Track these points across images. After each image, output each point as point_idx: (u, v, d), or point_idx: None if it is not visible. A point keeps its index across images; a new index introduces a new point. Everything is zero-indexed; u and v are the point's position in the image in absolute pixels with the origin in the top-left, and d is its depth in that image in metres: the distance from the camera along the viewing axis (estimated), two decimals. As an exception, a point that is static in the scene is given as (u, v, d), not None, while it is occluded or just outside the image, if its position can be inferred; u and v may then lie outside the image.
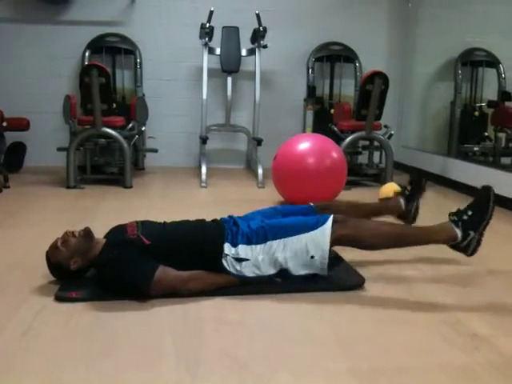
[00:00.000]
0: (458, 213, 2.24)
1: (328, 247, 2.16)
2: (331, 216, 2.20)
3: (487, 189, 2.26)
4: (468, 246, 2.24)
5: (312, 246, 2.15)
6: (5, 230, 3.07)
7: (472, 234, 2.21)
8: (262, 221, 2.31)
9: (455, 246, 2.26)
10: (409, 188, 2.74)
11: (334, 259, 2.41)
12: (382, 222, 2.36)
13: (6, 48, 5.16)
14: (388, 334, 1.86)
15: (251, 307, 2.06)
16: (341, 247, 2.47)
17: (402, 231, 2.29)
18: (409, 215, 2.71)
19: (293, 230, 2.18)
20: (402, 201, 2.71)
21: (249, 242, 2.18)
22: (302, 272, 2.18)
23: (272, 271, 2.18)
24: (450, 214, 2.25)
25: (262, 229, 2.22)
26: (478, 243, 2.24)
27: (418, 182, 2.75)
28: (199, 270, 2.13)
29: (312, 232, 2.16)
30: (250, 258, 2.16)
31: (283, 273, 2.19)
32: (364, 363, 1.65)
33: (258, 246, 2.17)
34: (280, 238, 2.17)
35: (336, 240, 2.17)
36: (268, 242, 2.17)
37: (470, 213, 2.22)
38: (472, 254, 2.27)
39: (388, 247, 2.25)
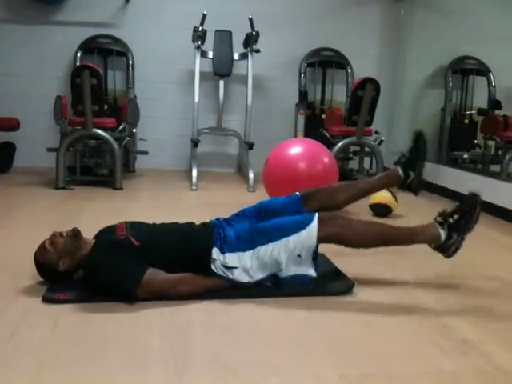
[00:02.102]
0: (444, 214, 2.27)
1: (314, 245, 2.17)
2: (316, 215, 2.20)
3: (475, 195, 2.29)
4: (449, 248, 2.26)
5: (299, 246, 2.15)
6: (-8, 231, 3.04)
7: (455, 237, 2.24)
8: (248, 225, 2.30)
9: (437, 247, 2.28)
10: (407, 155, 2.56)
11: (323, 264, 2.42)
12: (368, 222, 2.35)
13: (-4, 47, 5.13)
14: (377, 340, 1.86)
15: (240, 311, 2.05)
16: (330, 250, 2.48)
17: (388, 231, 2.29)
18: (410, 185, 2.54)
19: (280, 233, 2.17)
20: (400, 170, 2.54)
21: (235, 249, 2.17)
22: (292, 273, 2.17)
23: (261, 276, 2.17)
24: (437, 215, 2.28)
25: (248, 235, 2.20)
26: (458, 247, 2.27)
27: (416, 146, 2.58)
28: (188, 273, 2.12)
29: (299, 233, 2.16)
30: (239, 266, 2.15)
31: (273, 279, 2.19)
32: (353, 369, 1.65)
33: (246, 253, 2.16)
34: (268, 243, 2.16)
35: (322, 238, 2.18)
36: (256, 248, 2.16)
37: (456, 216, 2.24)
38: (451, 256, 2.29)
39: (374, 246, 2.27)
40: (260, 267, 2.16)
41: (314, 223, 2.17)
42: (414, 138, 2.57)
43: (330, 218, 2.21)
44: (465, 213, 2.25)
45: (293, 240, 2.15)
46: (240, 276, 2.15)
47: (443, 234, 2.23)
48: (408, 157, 2.53)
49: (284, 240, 2.15)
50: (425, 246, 2.30)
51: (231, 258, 2.15)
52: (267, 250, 2.15)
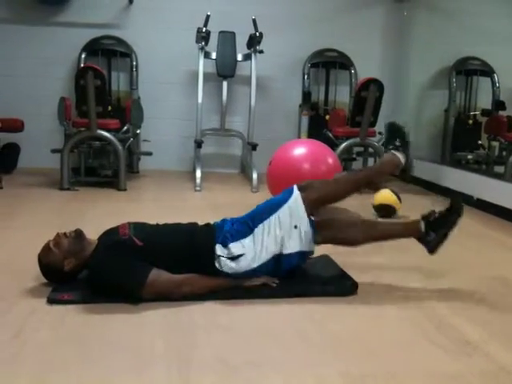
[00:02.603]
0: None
1: (305, 213, 2.23)
2: (295, 186, 2.32)
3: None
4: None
5: (291, 216, 2.22)
6: (-3, 231, 3.06)
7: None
8: (242, 217, 2.32)
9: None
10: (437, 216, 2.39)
11: (327, 264, 2.43)
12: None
13: (1, 49, 5.14)
14: (379, 339, 1.86)
15: (243, 311, 2.05)
16: (334, 250, 2.48)
17: (356, 175, 2.47)
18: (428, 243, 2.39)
19: (270, 211, 2.24)
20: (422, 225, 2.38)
21: (236, 238, 2.20)
22: (294, 249, 2.20)
23: (266, 257, 2.18)
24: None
25: (243, 222, 2.25)
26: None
27: (450, 213, 2.39)
28: (192, 274, 2.13)
29: (285, 204, 2.24)
30: (245, 253, 2.17)
31: (277, 260, 2.19)
32: (355, 368, 1.65)
33: (247, 239, 2.19)
34: (262, 222, 2.21)
35: (311, 204, 2.27)
36: (254, 231, 2.20)
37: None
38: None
39: (351, 192, 2.36)
40: (264, 248, 2.18)
41: (295, 191, 2.27)
42: (450, 206, 2.34)
43: (308, 184, 2.33)
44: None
45: (282, 212, 2.22)
46: (246, 263, 2.16)
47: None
48: (437, 218, 2.32)
49: (274, 215, 2.22)
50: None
51: (235, 247, 2.17)
52: (264, 230, 2.20)
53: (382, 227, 2.46)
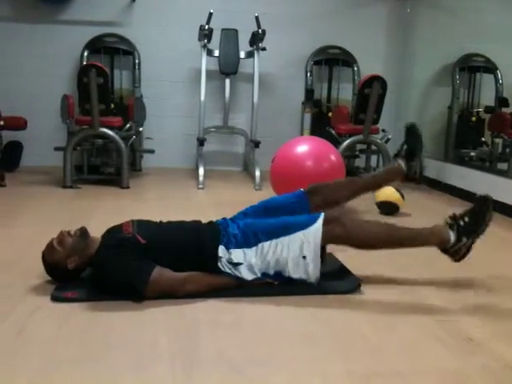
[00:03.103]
0: (456, 217, 2.25)
1: (319, 247, 2.15)
2: (322, 215, 2.19)
3: (487, 199, 2.27)
4: (458, 251, 2.24)
5: (304, 245, 2.14)
6: (0, 229, 3.06)
7: (465, 240, 2.21)
8: (252, 221, 2.29)
9: (446, 250, 2.26)
10: (405, 147, 2.55)
11: (331, 262, 2.42)
12: (375, 223, 2.31)
13: (3, 47, 5.14)
14: (384, 338, 1.86)
15: (247, 309, 2.05)
16: (337, 247, 2.48)
17: (396, 232, 2.25)
18: (414, 176, 2.52)
19: (284, 231, 2.17)
20: (402, 163, 2.53)
21: (240, 246, 2.17)
22: (295, 275, 2.17)
23: (265, 273, 2.17)
24: (448, 217, 2.26)
25: (252, 231, 2.20)
26: (468, 250, 2.24)
27: (411, 137, 2.60)
28: (196, 272, 2.13)
29: (303, 231, 2.15)
30: (244, 262, 2.15)
31: (278, 277, 2.19)
32: (359, 367, 1.65)
33: (251, 249, 2.16)
34: (272, 239, 2.16)
35: (328, 240, 2.19)
36: (259, 244, 2.16)
37: (466, 219, 2.22)
38: (460, 259, 2.27)
39: (381, 248, 2.26)
40: (264, 265, 2.16)
41: (319, 223, 2.16)
42: (406, 132, 2.58)
43: (335, 219, 2.19)
44: (476, 217, 2.22)
45: (297, 237, 2.15)
46: (245, 273, 2.15)
47: (452, 237, 2.21)
48: (406, 148, 2.52)
49: (288, 237, 2.15)
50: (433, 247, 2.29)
51: (236, 254, 2.15)
52: (270, 247, 2.15)
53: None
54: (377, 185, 2.70)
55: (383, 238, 2.23)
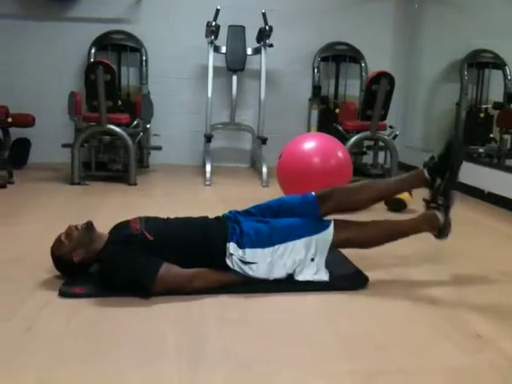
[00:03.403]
0: (431, 200, 2.34)
1: (327, 251, 2.24)
2: (332, 222, 2.28)
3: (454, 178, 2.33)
4: (444, 229, 2.32)
5: (314, 249, 2.21)
6: (9, 226, 3.08)
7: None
8: (266, 221, 2.29)
9: (439, 234, 2.34)
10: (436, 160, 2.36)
11: (338, 259, 2.42)
12: (375, 222, 2.36)
13: (11, 44, 5.17)
14: (390, 335, 1.85)
15: (254, 306, 2.05)
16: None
17: (395, 227, 2.37)
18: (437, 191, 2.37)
19: (297, 233, 2.22)
20: (426, 172, 2.38)
21: (255, 245, 2.18)
22: (307, 277, 2.20)
23: (277, 275, 2.18)
24: (425, 204, 2.37)
25: (267, 232, 2.21)
26: (450, 226, 2.32)
27: (448, 153, 2.34)
28: (203, 268, 2.13)
29: (315, 236, 2.23)
30: (258, 262, 2.16)
31: (289, 278, 2.20)
32: (366, 364, 1.65)
33: (265, 250, 2.18)
34: (286, 242, 2.20)
35: (337, 244, 2.28)
36: (276, 246, 2.19)
37: (441, 198, 2.31)
38: (446, 236, 2.33)
39: (384, 243, 2.34)
40: (278, 266, 2.18)
41: (331, 229, 2.25)
42: (446, 146, 2.34)
43: (344, 225, 2.29)
44: (447, 192, 2.31)
45: (309, 242, 2.21)
46: (257, 272, 2.16)
47: (441, 217, 2.30)
48: (437, 162, 2.34)
49: (301, 240, 2.21)
50: (440, 242, 2.29)
51: (250, 254, 2.16)
52: (286, 250, 2.19)
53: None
54: (395, 191, 2.60)
55: (385, 236, 2.34)
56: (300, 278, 2.20)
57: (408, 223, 2.38)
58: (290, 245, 2.19)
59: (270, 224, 2.26)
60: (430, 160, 2.36)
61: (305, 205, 2.38)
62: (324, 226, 2.26)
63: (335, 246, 2.29)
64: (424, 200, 2.37)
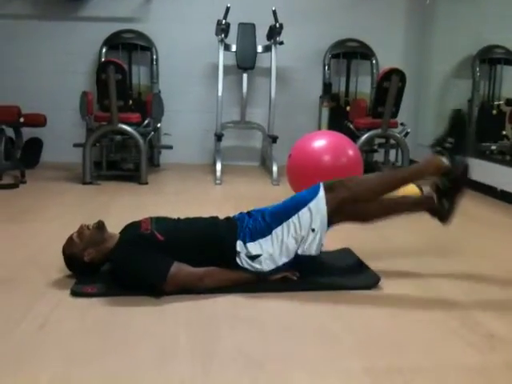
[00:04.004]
0: (439, 141, 2.30)
1: (325, 217, 2.19)
2: (321, 185, 2.25)
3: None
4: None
5: (310, 218, 2.18)
6: (21, 225, 3.10)
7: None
8: (260, 213, 2.29)
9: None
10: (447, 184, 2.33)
11: (349, 258, 2.41)
12: (374, 175, 2.41)
13: (23, 44, 5.21)
14: (404, 333, 1.84)
15: (266, 305, 2.05)
16: (356, 244, 2.47)
17: (394, 174, 2.37)
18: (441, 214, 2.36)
19: (291, 211, 2.22)
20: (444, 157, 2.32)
21: (256, 238, 2.18)
22: (309, 252, 2.17)
23: (286, 259, 2.17)
24: (431, 146, 2.32)
25: (264, 221, 2.23)
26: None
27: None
28: (214, 267, 2.14)
29: (308, 205, 2.20)
30: (262, 253, 2.16)
31: (297, 262, 2.18)
32: (379, 362, 1.64)
33: (266, 239, 2.18)
34: (282, 223, 2.19)
35: (335, 206, 2.22)
36: (273, 232, 2.19)
37: (450, 139, 2.28)
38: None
39: (386, 192, 2.30)
40: (283, 250, 2.17)
41: (321, 193, 2.22)
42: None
43: (335, 186, 2.26)
44: (456, 133, 2.30)
45: (303, 213, 2.19)
46: (265, 264, 2.15)
47: (445, 159, 2.26)
48: (448, 188, 2.30)
49: (295, 216, 2.19)
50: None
51: (253, 247, 2.16)
52: (283, 231, 2.18)
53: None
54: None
55: (385, 184, 2.30)
56: (303, 253, 2.17)
57: (411, 168, 2.36)
58: (285, 224, 2.18)
59: (265, 213, 2.27)
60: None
61: (310, 190, 2.33)
62: (314, 192, 2.24)
63: (335, 209, 2.21)
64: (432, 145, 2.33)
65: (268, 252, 2.16)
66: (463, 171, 2.30)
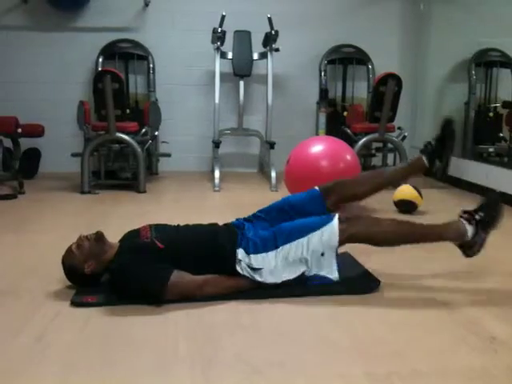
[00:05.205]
0: (469, 212, 2.24)
1: (337, 244, 2.17)
2: (336, 215, 2.22)
3: (496, 194, 2.32)
4: (473, 246, 2.22)
5: (321, 244, 2.16)
6: (20, 236, 3.09)
7: (482, 234, 2.20)
8: (270, 225, 2.30)
9: (462, 245, 2.24)
10: (433, 143, 2.46)
11: (349, 262, 2.41)
12: (390, 221, 2.28)
13: (20, 55, 5.22)
14: (404, 337, 1.84)
15: (266, 311, 2.05)
16: (356, 248, 2.46)
17: (411, 229, 2.25)
18: (435, 174, 2.48)
19: (301, 232, 2.19)
20: (424, 159, 2.45)
21: (260, 251, 2.17)
22: (318, 272, 2.17)
23: (287, 277, 2.17)
24: (461, 213, 2.26)
25: (271, 236, 2.21)
26: (482, 245, 2.22)
27: (444, 135, 2.47)
28: (214, 275, 2.13)
29: (320, 230, 2.17)
30: (263, 267, 2.15)
31: (298, 280, 2.18)
32: (380, 367, 1.63)
33: (270, 254, 2.17)
34: (290, 242, 2.17)
35: (344, 239, 2.18)
36: (279, 248, 2.17)
37: (481, 213, 2.21)
38: (472, 255, 2.25)
39: (399, 244, 2.23)
40: (286, 267, 2.16)
41: (335, 221, 2.18)
42: (442, 127, 2.48)
43: (355, 217, 2.23)
44: (489, 210, 2.22)
45: (315, 238, 2.16)
46: (266, 277, 2.15)
47: (470, 230, 2.19)
48: (435, 145, 2.44)
49: (306, 238, 2.16)
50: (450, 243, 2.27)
51: (256, 259, 2.16)
52: (290, 249, 2.16)
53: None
54: (396, 179, 2.65)
55: (401, 236, 2.22)
56: (312, 273, 2.16)
57: (432, 228, 2.26)
58: (294, 244, 2.17)
59: (275, 228, 2.26)
60: (427, 146, 2.42)
61: (312, 200, 2.40)
62: (328, 219, 2.21)
63: (346, 240, 2.19)
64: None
65: (270, 267, 2.15)
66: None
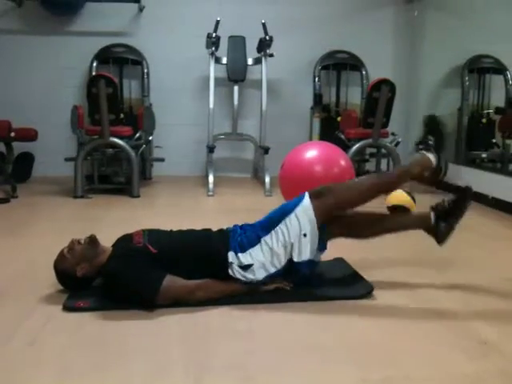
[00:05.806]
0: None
1: (314, 221, 2.18)
2: (306, 193, 2.25)
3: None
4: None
5: (299, 224, 2.18)
6: (13, 240, 3.08)
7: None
8: (253, 226, 2.30)
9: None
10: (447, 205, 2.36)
11: (343, 268, 2.41)
12: (359, 180, 2.40)
13: (13, 59, 5.21)
14: (397, 343, 1.84)
15: (259, 316, 2.04)
16: (349, 253, 2.47)
17: (379, 179, 2.39)
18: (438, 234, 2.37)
19: (278, 219, 2.21)
20: (432, 217, 2.36)
21: (245, 248, 2.18)
22: (304, 258, 2.17)
23: (277, 266, 2.17)
24: (416, 145, 2.35)
25: (254, 232, 2.23)
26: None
27: (458, 203, 2.36)
28: (206, 279, 2.13)
29: (293, 212, 2.20)
30: (253, 262, 2.16)
31: (288, 271, 2.18)
32: (373, 373, 1.63)
33: (255, 248, 2.18)
34: (270, 231, 2.19)
35: (324, 214, 2.21)
36: (261, 240, 2.19)
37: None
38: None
39: (371, 198, 2.29)
40: (273, 257, 2.16)
41: (306, 199, 2.22)
42: (461, 192, 2.36)
43: (320, 192, 2.25)
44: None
45: (290, 220, 2.18)
46: (258, 273, 2.15)
47: (431, 157, 2.27)
48: (447, 209, 2.34)
49: (282, 223, 2.19)
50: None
51: (244, 257, 2.17)
52: (272, 238, 2.18)
53: (393, 218, 2.44)
54: (401, 229, 2.46)
55: (372, 188, 2.30)
56: (298, 259, 2.16)
57: (396, 169, 2.34)
58: (273, 232, 2.19)
59: (256, 224, 2.28)
60: (437, 206, 2.36)
61: (296, 199, 2.33)
62: (299, 199, 2.24)
63: (324, 214, 2.21)
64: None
65: (259, 261, 2.16)
66: (466, 195, 2.32)
